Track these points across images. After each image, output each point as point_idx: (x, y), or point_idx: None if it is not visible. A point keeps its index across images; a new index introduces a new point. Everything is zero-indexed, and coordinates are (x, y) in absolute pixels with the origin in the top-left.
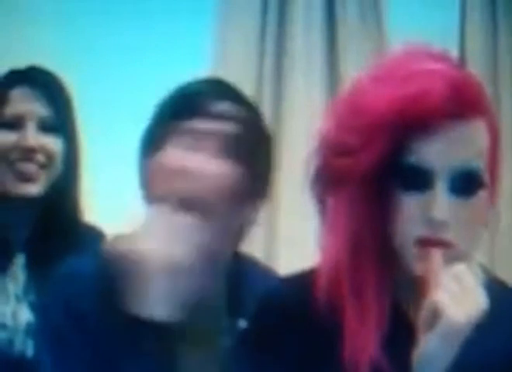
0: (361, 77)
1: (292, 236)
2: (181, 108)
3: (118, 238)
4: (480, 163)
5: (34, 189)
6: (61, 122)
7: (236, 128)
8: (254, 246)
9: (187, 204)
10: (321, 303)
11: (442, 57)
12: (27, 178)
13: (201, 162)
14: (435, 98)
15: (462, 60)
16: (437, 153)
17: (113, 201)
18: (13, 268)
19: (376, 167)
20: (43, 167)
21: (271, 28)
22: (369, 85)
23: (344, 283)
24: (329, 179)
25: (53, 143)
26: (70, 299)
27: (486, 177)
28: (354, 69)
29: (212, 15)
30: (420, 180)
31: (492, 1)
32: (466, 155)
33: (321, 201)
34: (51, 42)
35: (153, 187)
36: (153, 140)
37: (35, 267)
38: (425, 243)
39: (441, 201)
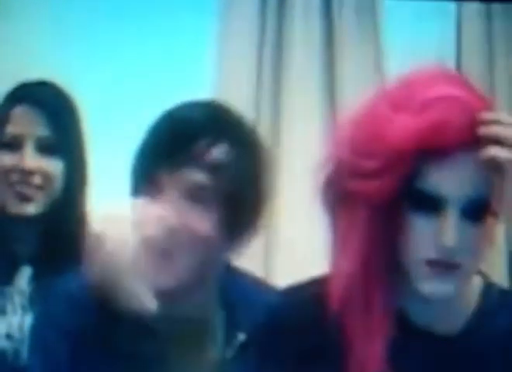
0: (378, 102)
1: (291, 243)
2: (177, 152)
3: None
4: (490, 194)
5: (32, 209)
6: (62, 143)
7: (231, 177)
8: (253, 253)
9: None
10: (326, 315)
11: (458, 80)
12: (25, 199)
13: (194, 221)
14: (453, 128)
15: (458, 67)
16: (451, 181)
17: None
18: (19, 280)
19: (392, 190)
20: (40, 188)
21: (270, 36)
22: (389, 112)
23: (353, 297)
24: (344, 199)
25: (52, 165)
26: (58, 317)
27: (496, 205)
28: (353, 81)
29: (211, 29)
30: (432, 205)
31: (488, 8)
32: (479, 184)
33: (332, 217)
34: (50, 50)
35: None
36: (146, 175)
37: (41, 279)
38: (434, 265)
39: (452, 228)
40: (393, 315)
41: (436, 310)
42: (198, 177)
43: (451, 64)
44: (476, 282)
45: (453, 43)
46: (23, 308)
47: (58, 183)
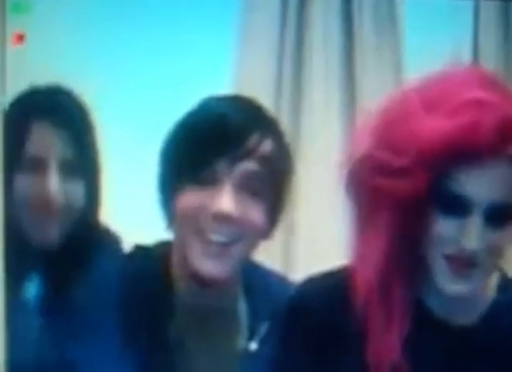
0: (411, 99)
1: (311, 237)
2: (234, 147)
3: None
4: None
5: (53, 237)
6: (84, 163)
7: (277, 167)
8: (272, 248)
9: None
10: (346, 304)
11: (493, 83)
12: (46, 226)
13: (250, 212)
14: (484, 132)
15: (475, 65)
16: (479, 184)
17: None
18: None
19: (421, 189)
20: (63, 215)
21: (291, 35)
22: (422, 111)
23: (376, 289)
24: (370, 194)
25: (75, 189)
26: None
27: None
28: (372, 79)
29: (232, 26)
30: (457, 207)
31: (506, 5)
32: (505, 189)
33: (356, 209)
34: (67, 47)
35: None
36: (201, 171)
37: (50, 290)
38: (452, 260)
39: (475, 232)
40: (412, 307)
41: (454, 302)
42: (254, 167)
43: (468, 61)
44: (494, 276)
45: (470, 40)
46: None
47: (79, 206)
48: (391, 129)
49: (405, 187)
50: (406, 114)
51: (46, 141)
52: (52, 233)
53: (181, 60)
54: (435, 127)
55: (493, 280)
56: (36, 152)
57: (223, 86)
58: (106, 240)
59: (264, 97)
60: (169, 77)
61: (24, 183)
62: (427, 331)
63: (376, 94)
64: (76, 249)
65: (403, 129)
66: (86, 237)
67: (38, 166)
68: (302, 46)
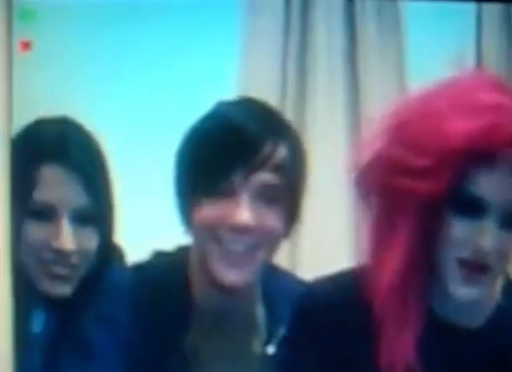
0: (432, 99)
1: (315, 247)
2: (249, 157)
3: None
4: None
5: (67, 290)
6: (99, 210)
7: (292, 173)
8: (278, 256)
9: None
10: (358, 306)
11: (503, 88)
12: (61, 279)
13: (267, 220)
14: (503, 134)
15: (479, 64)
16: (495, 187)
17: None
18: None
19: (442, 190)
20: (77, 266)
21: (294, 39)
22: (447, 111)
23: (393, 290)
24: (391, 195)
25: (89, 238)
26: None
27: None
28: (376, 80)
29: (236, 28)
30: (473, 208)
31: (508, 11)
32: None
33: (369, 211)
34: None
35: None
36: (219, 182)
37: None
38: (467, 265)
39: (491, 233)
40: (425, 309)
41: (461, 307)
42: (269, 177)
43: (471, 64)
44: (499, 279)
45: (473, 43)
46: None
47: (92, 252)
48: (411, 128)
49: (427, 188)
50: (430, 114)
51: (56, 186)
52: (66, 288)
53: (186, 64)
54: (460, 127)
55: (499, 284)
56: (47, 199)
57: (228, 90)
58: (114, 259)
59: (268, 100)
60: (174, 81)
61: (34, 233)
62: (433, 335)
63: (380, 97)
64: (88, 287)
65: (425, 128)
66: (99, 274)
67: (48, 213)
68: (305, 49)
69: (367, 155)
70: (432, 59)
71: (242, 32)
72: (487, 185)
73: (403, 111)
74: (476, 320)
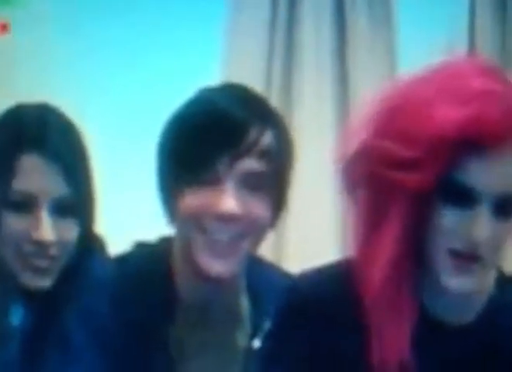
0: (418, 87)
1: (301, 238)
2: (234, 144)
3: None
4: None
5: (48, 282)
6: (79, 200)
7: (278, 160)
8: (263, 250)
9: None
10: (346, 300)
11: (496, 74)
12: (41, 272)
13: (253, 208)
14: (493, 121)
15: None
16: (485, 175)
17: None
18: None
19: (432, 181)
20: (57, 258)
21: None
22: (434, 98)
23: (386, 284)
24: (376, 187)
25: (69, 229)
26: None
27: None
28: (365, 69)
29: (221, 24)
30: (465, 198)
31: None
32: (511, 182)
33: (356, 203)
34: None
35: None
36: (205, 170)
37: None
38: (459, 256)
39: (483, 224)
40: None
41: (452, 302)
42: (255, 164)
43: (463, 52)
44: (491, 274)
45: (466, 31)
46: None
47: (72, 243)
48: (398, 117)
49: (416, 179)
50: (416, 103)
51: (36, 176)
52: (46, 281)
53: (169, 60)
54: (448, 115)
55: (492, 277)
56: (26, 188)
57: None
58: (95, 250)
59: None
60: (157, 75)
61: (13, 224)
62: (425, 332)
63: (369, 88)
64: (68, 279)
65: (412, 116)
66: (79, 266)
67: (27, 204)
68: (292, 45)
69: (353, 146)
70: (424, 53)
71: (226, 29)
72: (477, 174)
73: (390, 98)
74: (467, 316)
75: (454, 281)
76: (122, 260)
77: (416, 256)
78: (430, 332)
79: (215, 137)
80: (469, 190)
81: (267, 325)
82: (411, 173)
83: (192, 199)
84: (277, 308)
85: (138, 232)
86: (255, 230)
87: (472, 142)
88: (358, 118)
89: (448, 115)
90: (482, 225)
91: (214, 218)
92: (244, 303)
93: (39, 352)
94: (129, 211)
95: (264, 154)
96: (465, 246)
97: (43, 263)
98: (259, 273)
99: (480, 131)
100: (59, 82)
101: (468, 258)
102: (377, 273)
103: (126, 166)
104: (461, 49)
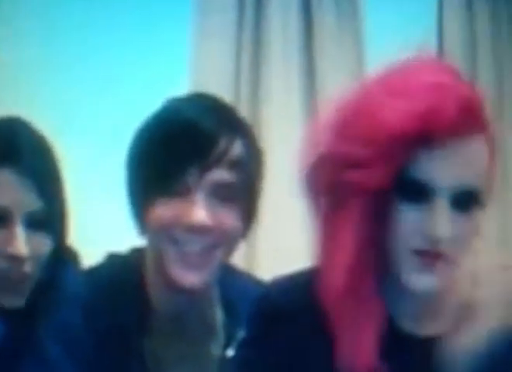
0: (371, 90)
1: (272, 248)
2: (203, 155)
3: None
4: (480, 183)
5: (21, 302)
6: (52, 213)
7: (248, 170)
8: (234, 260)
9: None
10: (315, 305)
11: (449, 69)
12: (14, 290)
13: (224, 219)
14: (445, 115)
15: (440, 50)
16: (440, 171)
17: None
18: None
19: (387, 179)
20: (30, 275)
21: (249, 22)
22: (385, 98)
23: (346, 288)
24: (334, 189)
25: (43, 244)
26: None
27: (484, 196)
28: (332, 67)
29: (187, 25)
30: (420, 194)
31: None
32: (467, 174)
33: (318, 207)
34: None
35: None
36: (174, 181)
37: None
38: (422, 255)
39: (441, 219)
40: (383, 311)
41: (419, 307)
42: (225, 175)
43: (432, 52)
44: (459, 280)
45: (434, 30)
46: None
47: (45, 257)
48: (353, 120)
49: (372, 177)
50: (368, 103)
51: (8, 191)
52: (19, 299)
53: (137, 61)
54: (397, 112)
55: (459, 285)
56: (1, 203)
57: (180, 88)
58: (69, 263)
59: (222, 91)
60: (126, 78)
61: None
62: (394, 345)
63: (336, 81)
64: (42, 294)
65: (365, 118)
66: (52, 280)
67: (3, 218)
68: (259, 45)
69: (314, 153)
70: (392, 46)
71: (193, 30)
72: (430, 168)
73: (346, 105)
74: (436, 326)
75: (417, 280)
76: (95, 271)
77: (379, 261)
78: (401, 344)
79: (184, 148)
80: (423, 185)
81: (241, 334)
82: (367, 173)
83: (163, 210)
84: (249, 316)
85: (110, 244)
86: (227, 241)
87: (422, 137)
88: (319, 125)
89: (397, 112)
90: (440, 220)
91: (185, 230)
92: (218, 313)
93: (16, 367)
94: (101, 223)
95: (234, 164)
96: (426, 243)
97: (17, 279)
98: (232, 283)
99: (429, 126)
100: (30, 96)
101: (430, 255)
102: (336, 280)
103: (96, 177)
104: (428, 43)
